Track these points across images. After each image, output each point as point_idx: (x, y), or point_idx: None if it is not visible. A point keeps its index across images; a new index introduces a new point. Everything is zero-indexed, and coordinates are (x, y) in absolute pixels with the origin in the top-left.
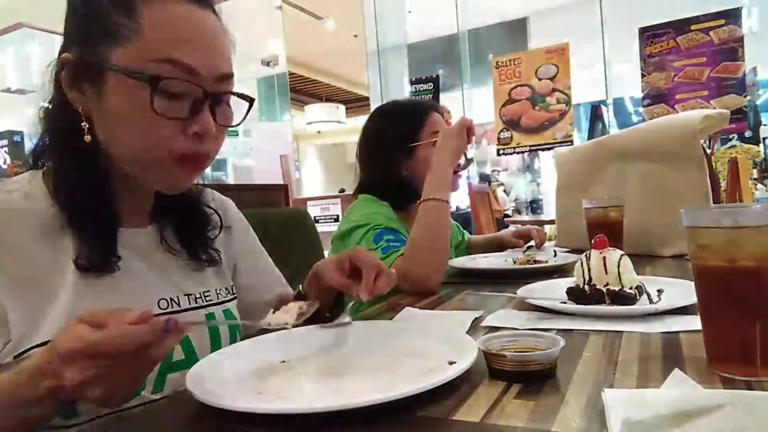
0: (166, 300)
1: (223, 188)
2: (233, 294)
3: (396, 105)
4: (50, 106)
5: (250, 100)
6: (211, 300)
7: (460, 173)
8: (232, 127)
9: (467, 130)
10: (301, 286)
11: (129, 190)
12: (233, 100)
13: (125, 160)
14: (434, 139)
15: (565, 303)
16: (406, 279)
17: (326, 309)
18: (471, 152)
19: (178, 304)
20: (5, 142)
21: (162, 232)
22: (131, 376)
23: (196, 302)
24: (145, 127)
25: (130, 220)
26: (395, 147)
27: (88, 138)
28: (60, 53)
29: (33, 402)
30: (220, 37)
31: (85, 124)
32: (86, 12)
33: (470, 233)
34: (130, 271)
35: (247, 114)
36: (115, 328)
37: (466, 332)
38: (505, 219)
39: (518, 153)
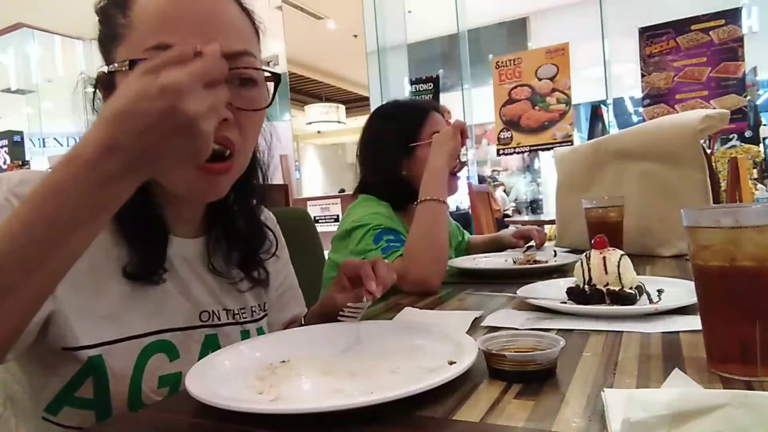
0: (208, 312)
1: None
2: (265, 311)
3: (396, 105)
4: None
5: (276, 77)
6: (247, 317)
7: (458, 175)
8: (261, 109)
9: (461, 133)
10: (303, 320)
11: (173, 199)
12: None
13: None
14: (431, 140)
15: (565, 303)
16: (405, 280)
17: None
18: (469, 153)
19: (219, 318)
20: (5, 142)
21: (210, 245)
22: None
23: (234, 318)
24: None
25: (180, 230)
26: (396, 147)
27: None
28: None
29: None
30: (220, 13)
31: None
32: (98, 22)
33: (470, 233)
34: (177, 281)
35: (275, 93)
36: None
37: (466, 332)
38: (505, 219)
39: (518, 153)
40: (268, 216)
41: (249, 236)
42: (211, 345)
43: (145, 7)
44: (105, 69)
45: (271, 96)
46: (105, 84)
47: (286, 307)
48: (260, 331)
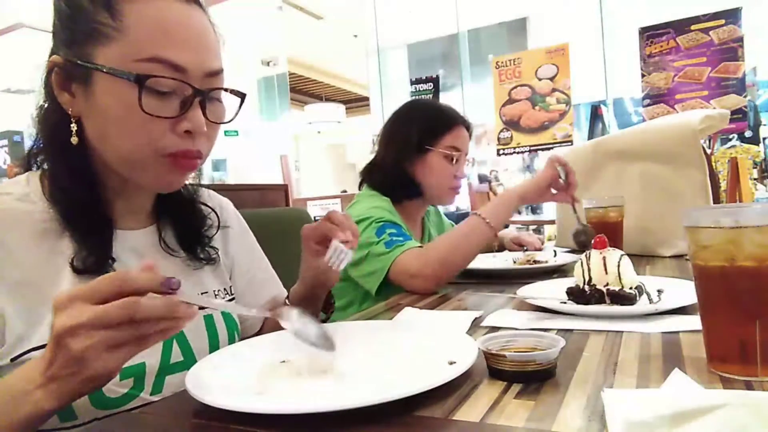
0: None
1: (223, 188)
2: (231, 294)
3: (430, 104)
4: (43, 108)
5: (242, 96)
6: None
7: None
8: (225, 123)
9: (562, 165)
10: (286, 299)
11: (125, 191)
12: (227, 97)
13: (115, 161)
14: (447, 152)
15: (565, 303)
16: (405, 271)
17: (318, 311)
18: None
19: None
20: (5, 142)
21: (160, 232)
22: (135, 344)
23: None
24: (135, 126)
25: (127, 222)
26: (412, 142)
27: (75, 140)
28: (50, 55)
29: (28, 396)
30: (207, 33)
31: (74, 126)
32: (69, 12)
33: None
34: None
35: (239, 109)
36: (119, 303)
37: (466, 332)
38: None
39: (518, 153)
40: (211, 195)
41: (192, 217)
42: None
43: (141, 17)
44: (77, 60)
45: (236, 110)
46: (71, 73)
47: (262, 289)
48: (225, 315)
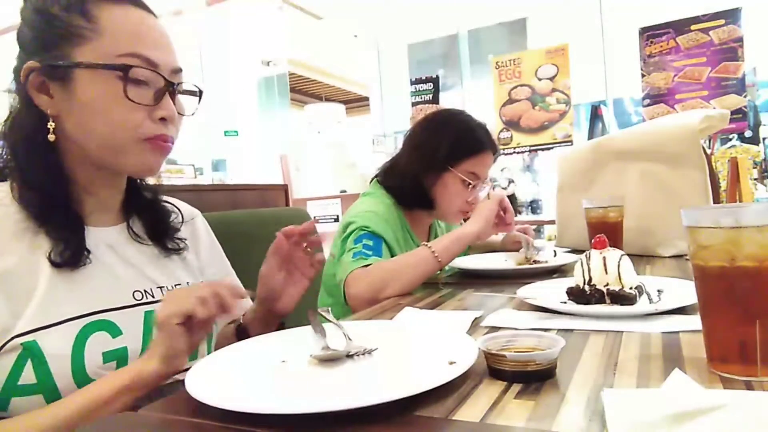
0: (140, 291)
1: (223, 188)
2: None
3: (465, 120)
4: (13, 117)
5: (200, 92)
6: None
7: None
8: (186, 115)
9: (500, 204)
10: (242, 318)
11: (95, 187)
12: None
13: (99, 150)
14: (465, 178)
15: (565, 303)
16: (347, 288)
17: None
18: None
19: (152, 296)
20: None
21: (130, 227)
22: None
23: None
24: (118, 113)
25: (98, 220)
26: (435, 156)
27: (52, 137)
28: (18, 66)
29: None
30: (168, 36)
31: (51, 125)
32: (41, 20)
33: None
34: (102, 265)
35: (199, 103)
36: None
37: (466, 332)
38: None
39: (518, 153)
40: (180, 202)
41: (157, 212)
42: (153, 322)
43: (115, 20)
44: (55, 62)
45: (197, 103)
46: (49, 75)
47: None
48: None
